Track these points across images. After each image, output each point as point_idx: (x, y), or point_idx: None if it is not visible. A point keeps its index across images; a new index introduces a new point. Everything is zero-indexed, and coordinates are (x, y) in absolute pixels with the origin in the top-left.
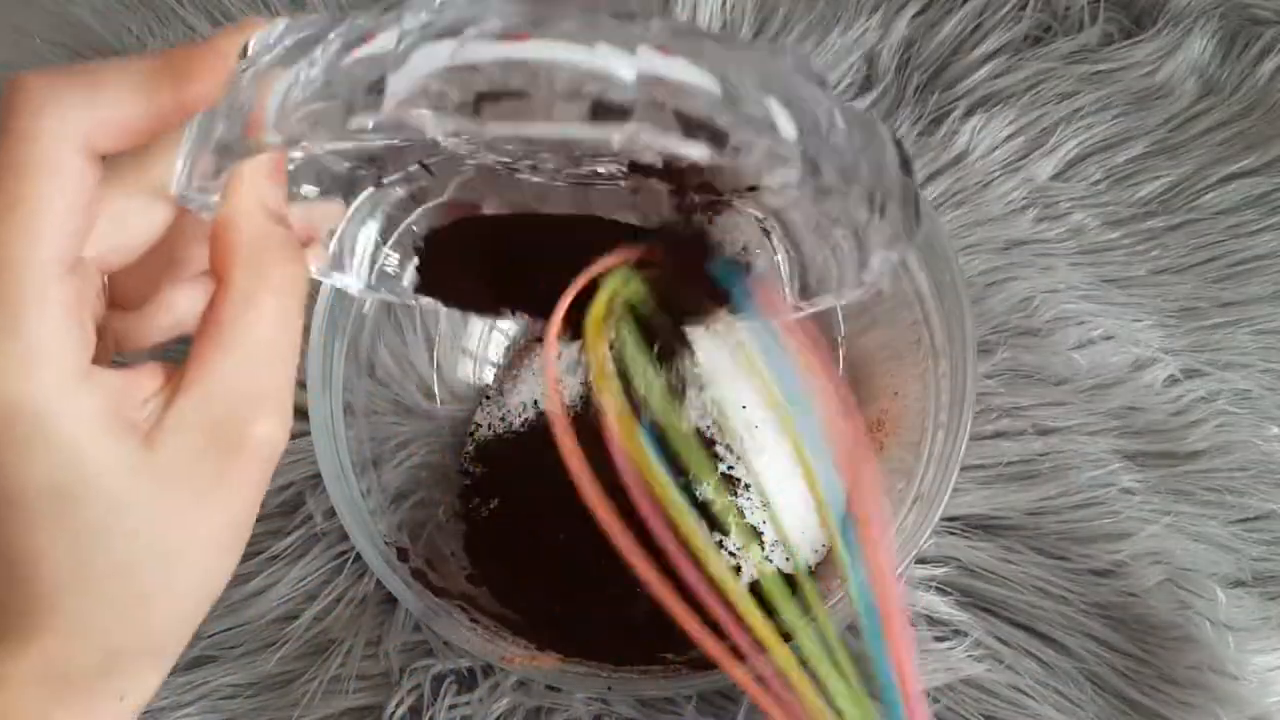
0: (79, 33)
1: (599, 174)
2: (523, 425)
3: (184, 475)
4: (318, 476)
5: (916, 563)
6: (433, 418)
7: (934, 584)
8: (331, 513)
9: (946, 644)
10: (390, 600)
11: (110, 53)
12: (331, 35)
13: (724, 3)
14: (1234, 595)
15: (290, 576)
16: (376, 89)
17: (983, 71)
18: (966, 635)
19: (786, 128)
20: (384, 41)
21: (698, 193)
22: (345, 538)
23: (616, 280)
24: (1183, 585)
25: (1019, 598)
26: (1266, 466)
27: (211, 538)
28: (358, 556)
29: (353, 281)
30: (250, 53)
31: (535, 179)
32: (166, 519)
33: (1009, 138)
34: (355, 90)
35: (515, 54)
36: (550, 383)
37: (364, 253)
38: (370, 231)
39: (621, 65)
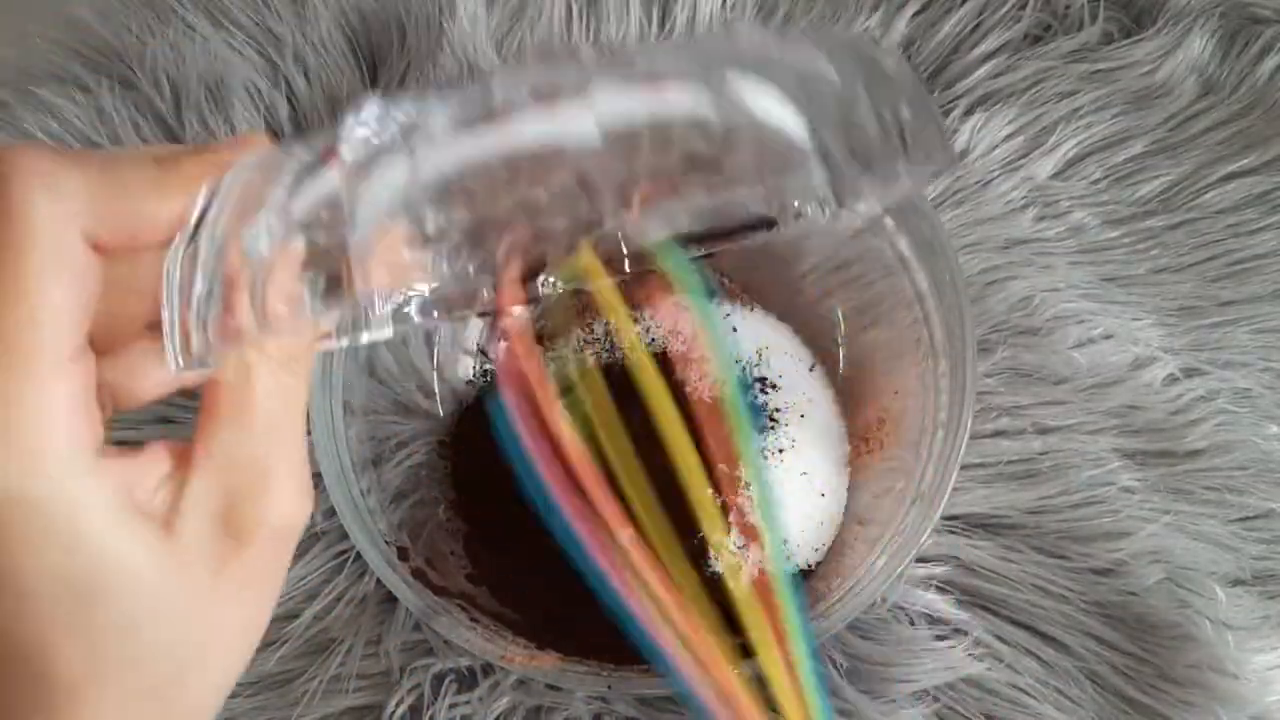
0: (79, 32)
1: None
2: None
3: (203, 560)
4: (318, 476)
5: (917, 562)
6: (432, 417)
7: (934, 583)
8: (331, 512)
9: (946, 643)
10: (390, 599)
11: (110, 52)
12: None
13: (723, 2)
14: (1233, 594)
15: (290, 576)
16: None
17: (982, 70)
18: (966, 634)
19: (791, 123)
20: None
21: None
22: (345, 537)
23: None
24: (1182, 584)
25: (1019, 596)
26: (1266, 465)
27: (234, 624)
28: (358, 556)
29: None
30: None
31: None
32: (188, 607)
33: (1009, 137)
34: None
35: (476, 154)
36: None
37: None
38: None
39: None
